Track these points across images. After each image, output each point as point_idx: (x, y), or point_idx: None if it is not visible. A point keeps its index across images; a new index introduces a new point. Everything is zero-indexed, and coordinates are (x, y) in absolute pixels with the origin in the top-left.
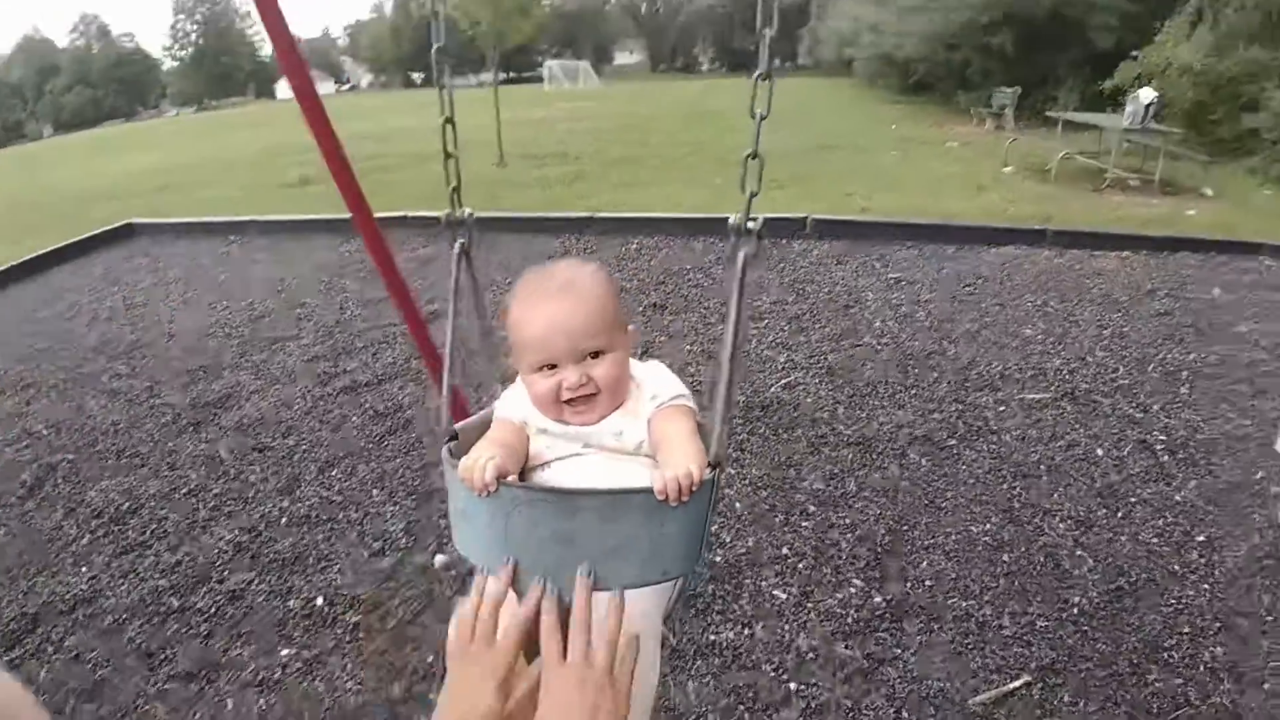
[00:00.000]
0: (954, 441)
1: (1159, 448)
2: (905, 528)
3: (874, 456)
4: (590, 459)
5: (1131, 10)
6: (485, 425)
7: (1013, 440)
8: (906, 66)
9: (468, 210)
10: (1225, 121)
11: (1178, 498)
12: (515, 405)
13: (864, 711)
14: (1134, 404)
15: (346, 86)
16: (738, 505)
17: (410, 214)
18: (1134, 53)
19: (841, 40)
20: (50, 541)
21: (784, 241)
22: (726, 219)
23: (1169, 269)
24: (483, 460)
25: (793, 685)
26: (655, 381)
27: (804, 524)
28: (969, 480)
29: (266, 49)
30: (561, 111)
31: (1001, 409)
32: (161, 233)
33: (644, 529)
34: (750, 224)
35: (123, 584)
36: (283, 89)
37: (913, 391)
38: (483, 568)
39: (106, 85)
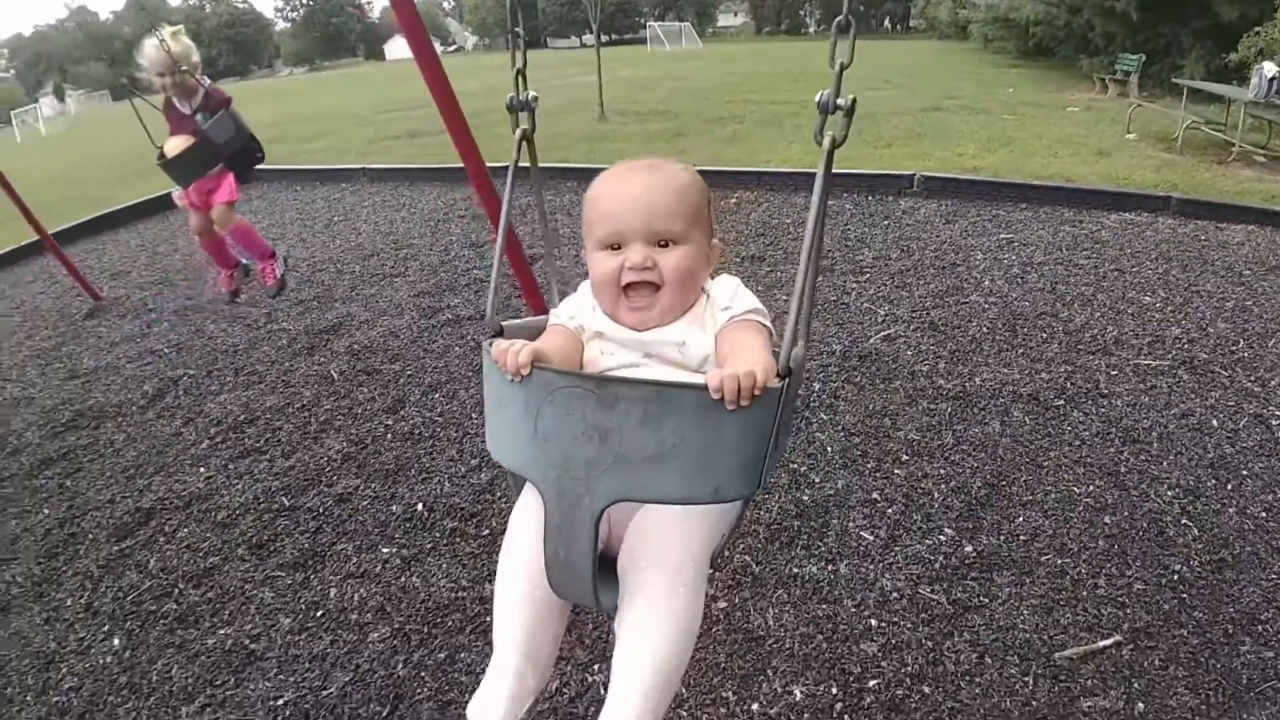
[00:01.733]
0: (1061, 402)
1: (1274, 423)
2: (1003, 483)
3: (975, 411)
4: (648, 370)
5: None
6: (538, 330)
7: (1123, 405)
8: (1025, 29)
9: (532, 93)
10: None
11: None
12: (571, 309)
13: (945, 653)
14: (1253, 378)
15: (453, 48)
16: (829, 449)
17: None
18: (1256, 28)
19: (956, 2)
20: (169, 446)
21: (890, 198)
22: (832, 174)
23: None
24: (518, 344)
25: (874, 621)
26: (729, 295)
27: (896, 471)
28: (1074, 441)
29: (375, 11)
30: (663, 71)
31: (1114, 373)
32: (277, 179)
33: (694, 434)
34: (840, 102)
35: (238, 484)
36: (391, 50)
37: (1020, 350)
38: (510, 469)
39: (219, 44)
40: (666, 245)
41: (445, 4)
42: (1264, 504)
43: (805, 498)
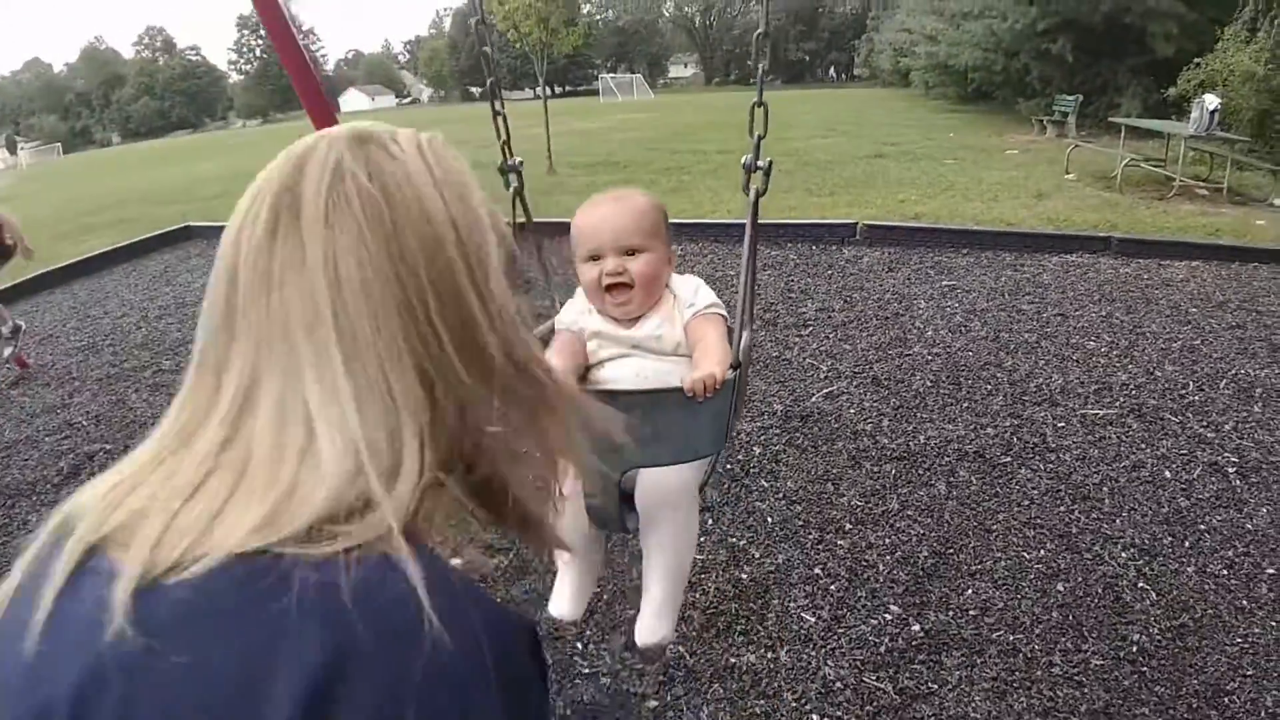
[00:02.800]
0: (1008, 459)
1: (1230, 470)
2: (950, 550)
3: (920, 473)
4: (635, 359)
5: (1190, 17)
6: (547, 335)
7: (1072, 459)
8: (964, 75)
9: (518, 159)
10: None
11: (1249, 525)
12: (571, 315)
13: None
14: (1205, 422)
15: (407, 100)
16: (769, 519)
17: None
18: (1196, 60)
19: (897, 51)
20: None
21: (833, 247)
22: (775, 224)
23: (1240, 280)
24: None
25: (815, 717)
26: (691, 292)
27: (840, 542)
28: (1023, 501)
29: (329, 64)
30: (613, 122)
31: (1061, 425)
32: (217, 235)
33: (678, 420)
34: (760, 164)
35: None
36: (346, 103)
37: (965, 404)
38: None
39: (173, 96)
40: (633, 254)
41: (401, 56)
42: (1224, 560)
43: (744, 575)
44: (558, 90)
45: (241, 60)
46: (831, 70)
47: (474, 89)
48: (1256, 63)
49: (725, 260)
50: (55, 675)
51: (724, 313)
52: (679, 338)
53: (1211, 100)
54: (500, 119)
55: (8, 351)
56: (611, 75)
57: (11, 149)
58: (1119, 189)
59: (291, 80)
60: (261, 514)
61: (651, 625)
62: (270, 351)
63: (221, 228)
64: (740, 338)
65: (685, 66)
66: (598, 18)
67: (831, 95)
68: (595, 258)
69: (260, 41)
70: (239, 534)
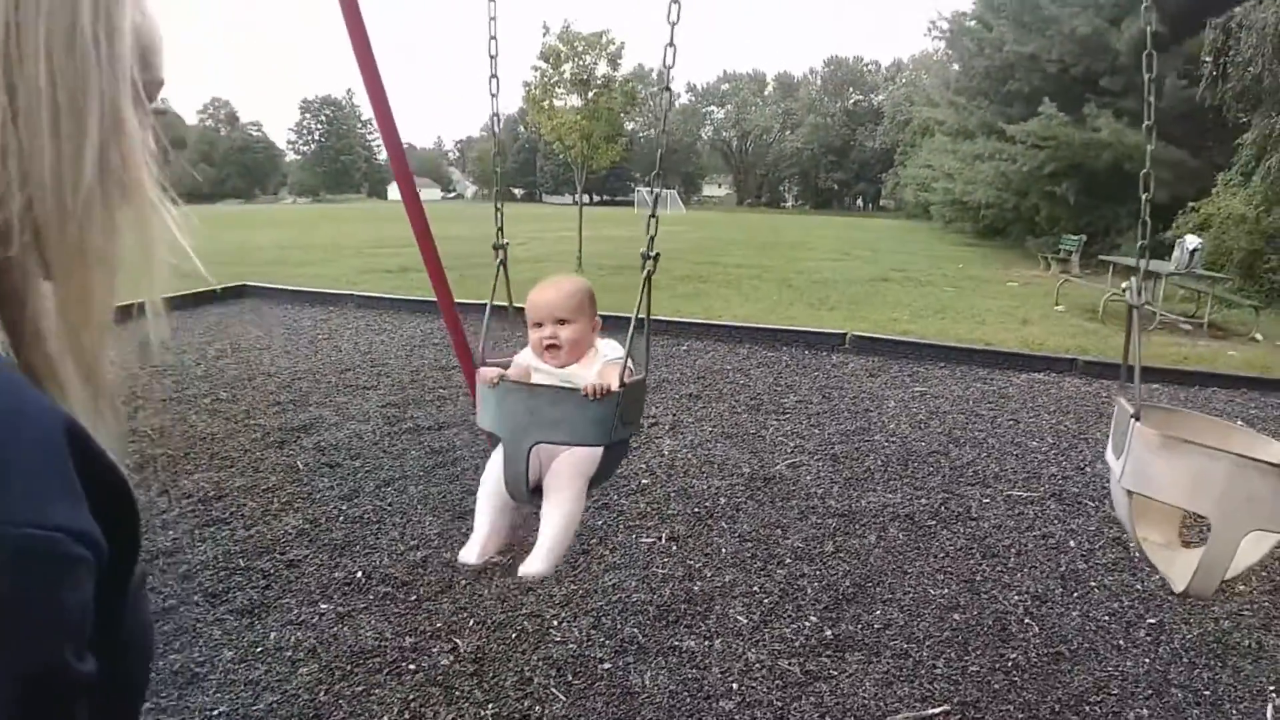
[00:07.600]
0: (933, 522)
1: (1133, 545)
2: (869, 584)
3: (856, 527)
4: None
5: (1190, 164)
6: (505, 364)
7: (989, 527)
8: (978, 211)
9: (505, 239)
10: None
11: (1139, 587)
12: (525, 356)
13: (792, 713)
14: None
15: (452, 195)
16: (723, 550)
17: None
18: (1191, 204)
19: (919, 186)
20: (144, 510)
21: (823, 353)
22: (773, 329)
23: (1195, 403)
24: (493, 370)
25: (735, 685)
26: (610, 351)
27: (778, 571)
28: (939, 555)
29: (383, 154)
30: (644, 231)
31: (986, 501)
32: (271, 296)
33: (575, 413)
34: (651, 254)
35: (201, 546)
36: (393, 191)
37: (906, 481)
38: (489, 430)
39: (229, 166)
40: (563, 323)
41: (451, 154)
42: (1109, 610)
43: (696, 587)
44: (597, 199)
45: (300, 140)
46: (860, 200)
47: (516, 190)
48: (1248, 206)
49: (725, 357)
50: None
51: (625, 364)
52: (592, 379)
53: (1192, 240)
54: (499, 212)
55: None
56: (647, 189)
57: None
58: (1101, 320)
59: (391, 163)
60: None
61: (533, 562)
62: None
63: (277, 289)
64: (623, 370)
65: (719, 186)
66: (640, 135)
67: (855, 223)
68: (538, 324)
69: (320, 125)
70: None
